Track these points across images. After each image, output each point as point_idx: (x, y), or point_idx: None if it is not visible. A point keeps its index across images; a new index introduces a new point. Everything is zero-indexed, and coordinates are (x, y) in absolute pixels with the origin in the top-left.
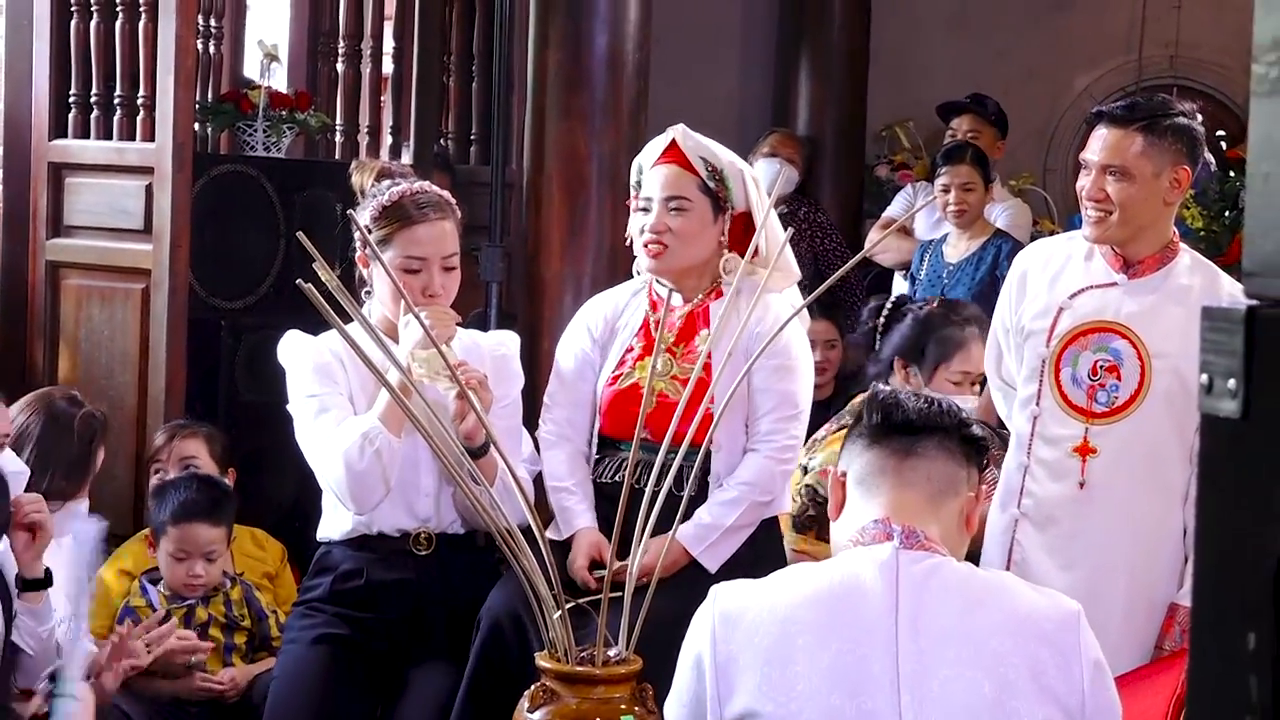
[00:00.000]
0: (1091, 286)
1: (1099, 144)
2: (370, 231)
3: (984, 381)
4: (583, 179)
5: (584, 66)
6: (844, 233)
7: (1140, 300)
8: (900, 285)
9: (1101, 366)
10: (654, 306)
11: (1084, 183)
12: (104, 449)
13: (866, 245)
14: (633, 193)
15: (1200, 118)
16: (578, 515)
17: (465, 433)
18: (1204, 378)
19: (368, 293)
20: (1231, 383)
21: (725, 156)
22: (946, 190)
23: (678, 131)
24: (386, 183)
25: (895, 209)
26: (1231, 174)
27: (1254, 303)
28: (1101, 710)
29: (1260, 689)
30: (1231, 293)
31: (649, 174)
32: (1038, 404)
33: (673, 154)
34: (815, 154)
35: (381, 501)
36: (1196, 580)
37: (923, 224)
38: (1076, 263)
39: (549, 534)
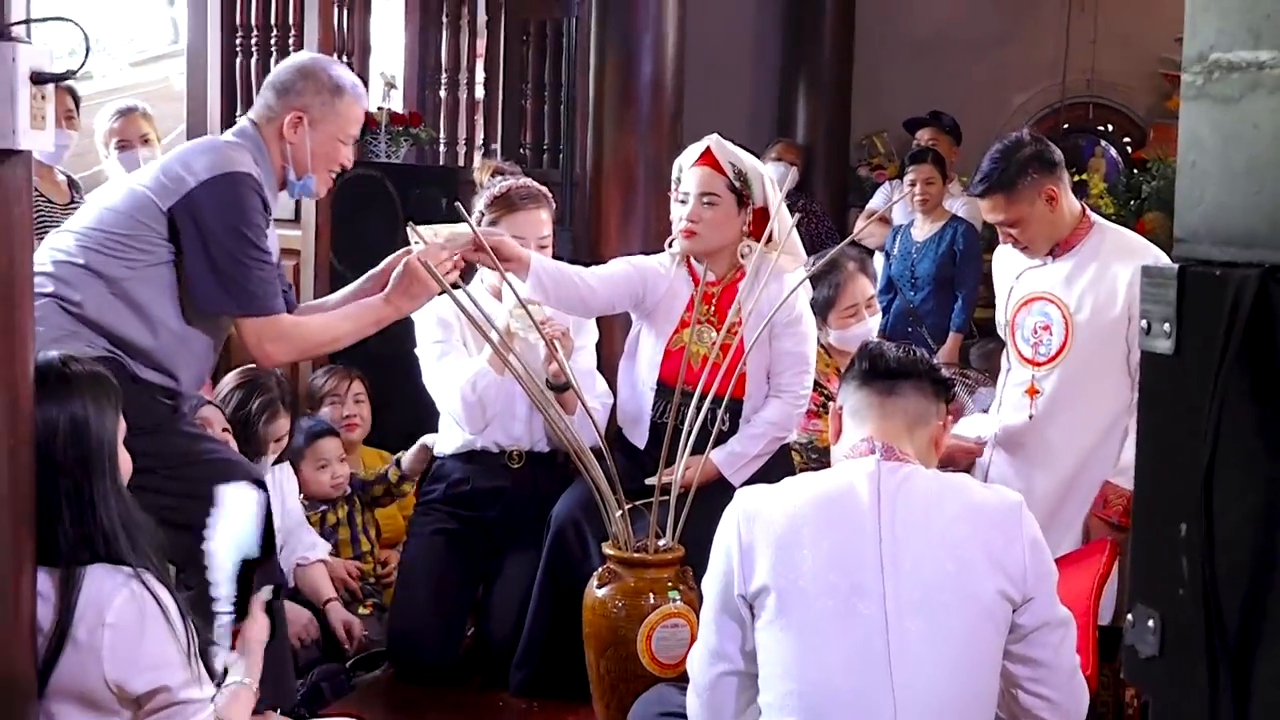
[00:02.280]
0: (1029, 269)
1: (986, 209)
2: (483, 215)
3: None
4: (633, 178)
5: (633, 89)
6: (834, 220)
7: (1060, 274)
8: (879, 261)
9: (1039, 327)
10: (693, 278)
11: (1001, 232)
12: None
13: (854, 231)
14: (674, 187)
15: (1037, 141)
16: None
17: (552, 373)
18: (1143, 323)
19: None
20: (1166, 326)
21: (749, 161)
22: (913, 185)
23: (712, 140)
24: (499, 178)
25: (876, 202)
26: (1135, 171)
27: (1183, 263)
28: (1041, 577)
29: (1190, 568)
30: (1135, 248)
31: (687, 173)
32: (1007, 359)
33: (707, 158)
34: (810, 158)
35: (488, 425)
36: (1138, 484)
37: (899, 213)
38: (1019, 252)
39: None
